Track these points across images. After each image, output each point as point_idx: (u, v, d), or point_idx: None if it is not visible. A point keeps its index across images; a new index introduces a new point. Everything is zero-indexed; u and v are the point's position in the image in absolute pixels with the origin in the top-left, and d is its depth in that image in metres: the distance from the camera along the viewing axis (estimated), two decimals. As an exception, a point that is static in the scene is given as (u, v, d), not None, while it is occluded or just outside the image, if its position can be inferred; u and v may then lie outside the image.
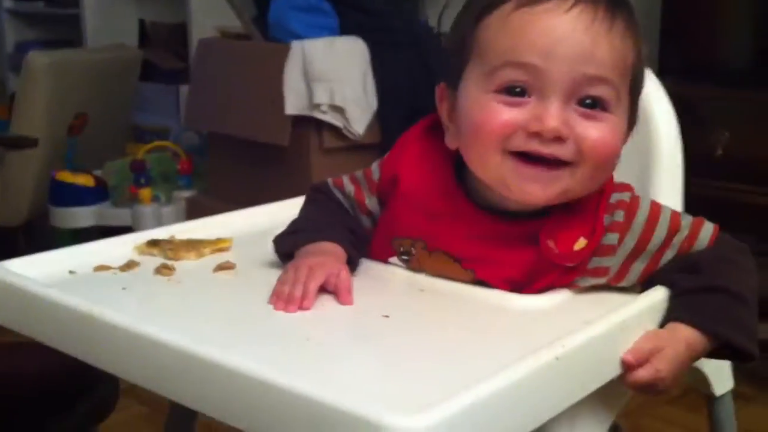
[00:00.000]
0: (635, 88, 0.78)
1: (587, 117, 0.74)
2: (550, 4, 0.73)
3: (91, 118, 2.70)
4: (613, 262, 0.77)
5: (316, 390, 0.55)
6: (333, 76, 2.06)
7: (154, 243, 0.90)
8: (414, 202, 0.83)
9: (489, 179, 0.77)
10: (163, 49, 3.29)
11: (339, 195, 0.90)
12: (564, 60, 0.72)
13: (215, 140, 2.41)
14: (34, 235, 2.70)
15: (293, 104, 2.07)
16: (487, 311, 0.74)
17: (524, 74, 0.73)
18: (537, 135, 0.73)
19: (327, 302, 0.75)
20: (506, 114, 0.73)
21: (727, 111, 1.80)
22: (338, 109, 2.07)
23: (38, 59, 2.55)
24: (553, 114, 0.72)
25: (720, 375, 0.96)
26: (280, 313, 0.73)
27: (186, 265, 0.86)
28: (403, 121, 2.17)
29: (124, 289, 0.79)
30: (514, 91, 0.74)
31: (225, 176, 2.37)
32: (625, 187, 0.80)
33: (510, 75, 0.74)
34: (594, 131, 0.73)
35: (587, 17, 0.73)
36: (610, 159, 0.76)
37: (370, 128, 2.11)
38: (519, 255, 0.77)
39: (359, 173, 0.90)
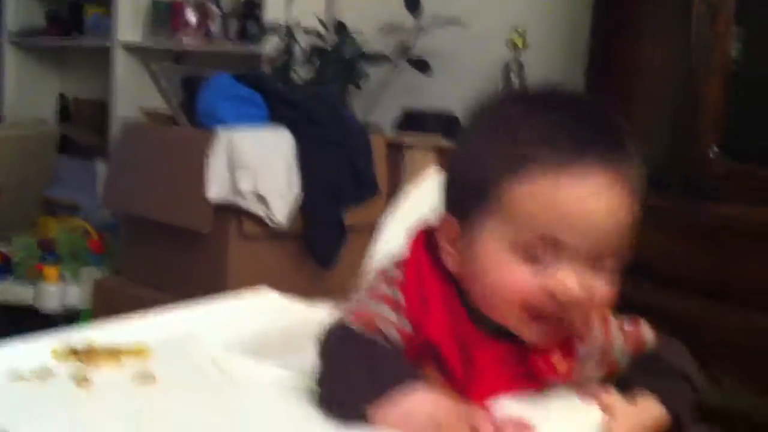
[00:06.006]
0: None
1: (596, 274, 0.75)
2: (574, 170, 0.73)
3: (5, 192, 2.63)
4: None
5: None
6: (258, 165, 2.06)
7: (71, 349, 0.86)
8: (431, 332, 0.79)
9: (504, 325, 0.78)
10: (83, 125, 3.25)
11: (380, 340, 0.78)
12: (585, 233, 0.73)
13: (130, 221, 2.37)
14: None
15: (216, 190, 2.06)
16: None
17: (546, 245, 0.74)
18: (559, 303, 0.74)
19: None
20: (526, 277, 0.75)
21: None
22: (261, 198, 2.06)
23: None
24: (576, 282, 0.74)
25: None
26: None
27: (104, 374, 0.82)
28: (325, 213, 2.20)
29: (38, 402, 0.75)
30: (535, 253, 0.75)
31: (138, 258, 2.32)
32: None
33: (533, 244, 0.74)
34: (602, 289, 0.76)
35: (606, 182, 0.74)
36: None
37: (291, 218, 2.11)
38: (513, 372, 0.79)
39: (385, 309, 0.79)
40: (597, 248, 0.74)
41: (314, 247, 2.17)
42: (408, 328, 0.78)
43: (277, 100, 2.16)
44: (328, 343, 0.78)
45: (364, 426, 0.71)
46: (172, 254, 2.22)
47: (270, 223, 2.09)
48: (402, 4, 2.49)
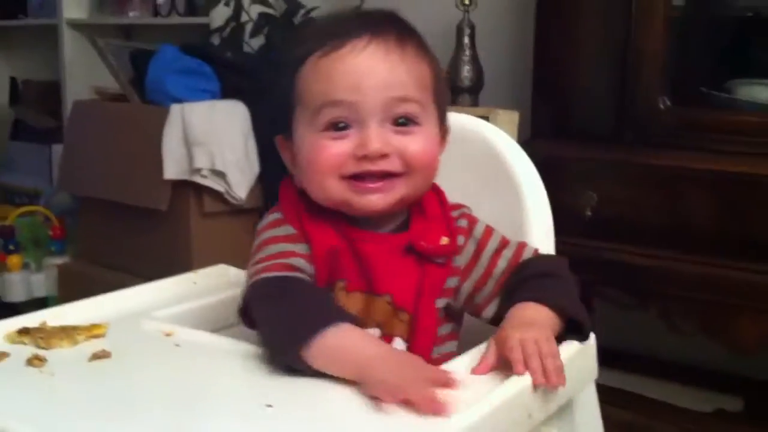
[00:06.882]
0: (440, 101, 0.90)
1: (402, 133, 0.85)
2: (348, 47, 0.84)
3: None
4: (461, 261, 0.90)
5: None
6: (213, 140, 2.04)
7: (24, 331, 0.86)
8: (328, 248, 0.87)
9: (332, 203, 0.86)
10: (36, 108, 3.19)
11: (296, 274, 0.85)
12: (370, 90, 0.83)
13: (89, 204, 2.34)
14: None
15: (172, 169, 2.04)
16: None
17: (342, 110, 0.84)
18: (365, 158, 0.84)
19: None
20: (335, 147, 0.84)
21: (593, 173, 1.88)
22: (219, 174, 2.05)
23: None
24: (373, 137, 0.83)
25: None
26: (158, 406, 0.71)
27: (59, 354, 0.82)
28: (285, 185, 2.19)
29: (-9, 384, 0.75)
30: (338, 127, 0.85)
31: (99, 241, 2.30)
32: (463, 206, 0.94)
33: (330, 113, 0.84)
34: (411, 143, 0.85)
35: (381, 51, 0.85)
36: (432, 163, 0.88)
37: (251, 192, 2.10)
38: (408, 262, 0.87)
39: (284, 246, 0.86)
40: (387, 106, 0.84)
41: (276, 219, 2.16)
42: (306, 251, 0.86)
43: (228, 71, 2.14)
44: (251, 305, 0.82)
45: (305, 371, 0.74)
46: (133, 235, 2.20)
47: (230, 199, 2.08)
48: (350, -32, 2.47)
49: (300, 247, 0.86)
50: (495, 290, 0.89)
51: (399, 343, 0.87)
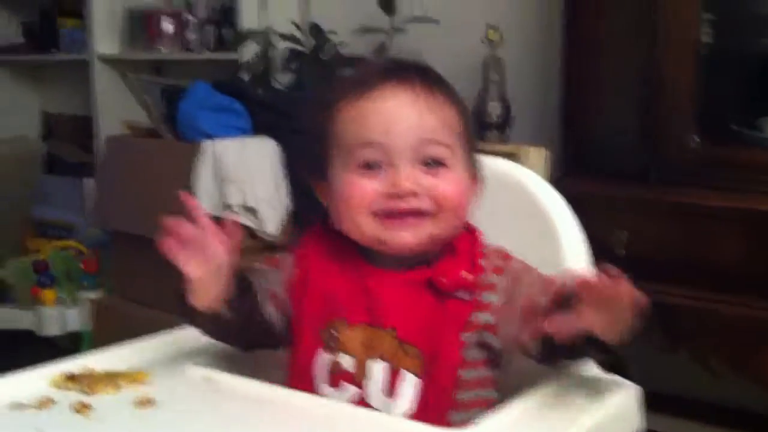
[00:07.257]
0: (469, 147, 0.94)
1: (431, 174, 0.89)
2: (378, 91, 0.90)
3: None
4: (495, 298, 0.89)
5: None
6: (245, 177, 2.07)
7: (70, 376, 0.88)
8: (329, 289, 0.92)
9: (365, 239, 0.90)
10: (68, 142, 3.24)
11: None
12: (400, 133, 0.88)
13: (121, 238, 2.37)
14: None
15: (204, 204, 2.06)
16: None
17: (373, 151, 0.89)
18: (395, 196, 0.88)
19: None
20: (367, 185, 0.89)
21: (624, 211, 1.88)
22: (251, 210, 2.07)
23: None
24: (404, 176, 0.88)
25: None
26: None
27: (104, 400, 0.84)
28: (316, 221, 2.21)
29: (39, 431, 0.77)
30: (370, 166, 0.89)
31: (132, 276, 2.32)
32: (501, 247, 0.95)
33: (363, 154, 0.89)
34: (441, 184, 0.89)
35: (410, 96, 0.90)
36: (461, 204, 0.92)
37: (282, 228, 2.12)
38: (423, 298, 0.89)
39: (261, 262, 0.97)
40: (416, 148, 0.88)
41: (306, 255, 2.17)
42: (276, 278, 0.94)
43: (258, 107, 2.17)
44: None
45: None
46: (165, 270, 2.21)
47: (262, 235, 2.10)
48: (376, 4, 2.50)
49: (273, 273, 0.95)
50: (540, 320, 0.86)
51: (409, 378, 0.87)
